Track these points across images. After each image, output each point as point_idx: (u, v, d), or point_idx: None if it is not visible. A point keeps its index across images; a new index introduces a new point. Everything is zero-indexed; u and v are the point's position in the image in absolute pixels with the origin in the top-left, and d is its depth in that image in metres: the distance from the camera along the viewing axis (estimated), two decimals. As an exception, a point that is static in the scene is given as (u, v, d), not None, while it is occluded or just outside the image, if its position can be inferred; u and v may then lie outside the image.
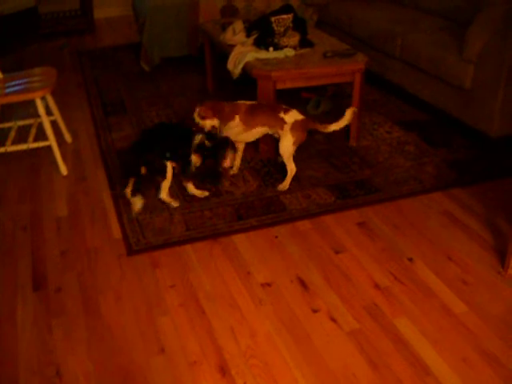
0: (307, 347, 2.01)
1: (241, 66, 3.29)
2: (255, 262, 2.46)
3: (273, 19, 3.34)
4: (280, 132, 2.92)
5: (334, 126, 2.95)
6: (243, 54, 3.32)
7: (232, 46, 3.50)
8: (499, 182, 3.02)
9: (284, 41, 3.35)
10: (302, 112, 2.96)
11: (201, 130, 2.92)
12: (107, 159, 3.33)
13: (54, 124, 3.33)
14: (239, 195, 2.94)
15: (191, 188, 2.93)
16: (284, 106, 2.94)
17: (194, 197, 2.92)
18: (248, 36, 3.52)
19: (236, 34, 3.58)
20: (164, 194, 2.84)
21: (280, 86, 3.15)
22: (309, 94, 3.92)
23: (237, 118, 2.93)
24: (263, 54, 3.29)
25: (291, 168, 2.96)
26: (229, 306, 2.21)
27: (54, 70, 3.33)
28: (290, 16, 3.37)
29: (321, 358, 1.96)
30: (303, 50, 3.38)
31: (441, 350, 1.98)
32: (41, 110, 3.07)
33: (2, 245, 2.63)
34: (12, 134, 3.35)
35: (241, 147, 3.12)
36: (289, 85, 3.17)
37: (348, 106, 3.30)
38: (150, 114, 3.93)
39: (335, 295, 2.25)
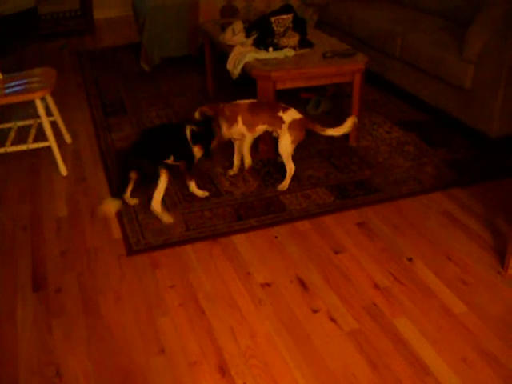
0: (307, 347, 2.01)
1: (240, 67, 3.29)
2: (255, 262, 2.46)
3: (272, 19, 3.34)
4: (278, 131, 2.92)
5: (332, 131, 2.96)
6: (243, 54, 3.32)
7: (232, 47, 3.50)
8: (499, 182, 3.02)
9: (284, 41, 3.35)
10: (301, 112, 2.96)
11: (188, 121, 2.89)
12: (107, 160, 3.34)
13: (53, 124, 3.33)
14: (239, 195, 2.94)
15: (193, 187, 2.92)
16: (283, 105, 2.94)
17: (194, 197, 2.92)
18: (248, 36, 3.53)
19: (236, 35, 3.58)
20: (155, 205, 2.69)
21: (280, 87, 3.15)
22: (308, 94, 3.92)
23: (239, 121, 2.92)
24: (263, 55, 3.30)
25: (290, 167, 2.96)
26: (228, 307, 2.21)
27: (53, 71, 3.34)
28: (290, 16, 3.37)
29: (320, 358, 1.97)
30: (303, 50, 3.38)
31: (440, 349, 1.99)
32: (41, 110, 3.07)
33: (2, 245, 2.63)
34: (12, 134, 3.36)
35: (245, 147, 3.10)
36: (288, 85, 3.17)
37: (348, 106, 3.32)
38: (149, 114, 3.93)
39: (335, 295, 2.25)
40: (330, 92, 4.01)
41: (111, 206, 2.69)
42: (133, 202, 2.86)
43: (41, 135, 3.27)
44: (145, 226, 2.70)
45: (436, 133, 3.55)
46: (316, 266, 2.42)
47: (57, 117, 3.45)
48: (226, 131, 2.94)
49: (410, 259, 2.45)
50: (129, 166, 2.77)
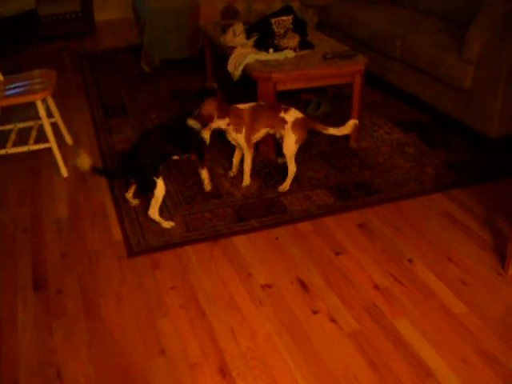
0: (307, 348, 2.01)
1: (241, 68, 3.29)
2: (256, 263, 2.46)
3: (273, 21, 3.35)
4: (282, 132, 2.93)
5: (334, 131, 2.96)
6: (243, 55, 3.33)
7: (232, 48, 3.51)
8: (498, 182, 3.02)
9: (284, 42, 3.35)
10: (301, 112, 2.96)
11: (189, 114, 2.83)
12: (108, 161, 3.34)
13: (54, 126, 3.33)
14: (239, 196, 2.94)
15: (205, 175, 2.95)
16: (283, 105, 2.94)
17: (194, 198, 2.92)
18: (248, 38, 3.53)
19: (236, 36, 3.58)
20: (152, 214, 2.67)
21: (280, 88, 3.15)
22: (309, 95, 3.93)
23: (243, 129, 2.90)
24: (263, 56, 3.30)
25: (292, 168, 2.96)
26: (229, 308, 2.21)
27: (54, 72, 3.34)
28: (290, 17, 3.38)
29: (321, 359, 1.97)
30: (303, 52, 3.38)
31: (441, 350, 1.99)
32: (41, 112, 3.07)
33: (3, 246, 2.63)
34: (12, 136, 3.36)
35: (246, 165, 3.02)
36: (289, 86, 3.18)
37: (348, 107, 3.32)
38: (150, 116, 3.94)
39: (335, 296, 2.25)
40: (330, 93, 4.01)
41: (86, 162, 2.66)
42: (135, 202, 2.87)
43: (41, 137, 3.27)
44: (145, 228, 2.70)
45: (436, 133, 3.55)
46: (316, 267, 2.42)
47: (57, 118, 3.45)
48: (232, 134, 2.93)
49: (411, 260, 2.45)
50: (126, 172, 2.78)
